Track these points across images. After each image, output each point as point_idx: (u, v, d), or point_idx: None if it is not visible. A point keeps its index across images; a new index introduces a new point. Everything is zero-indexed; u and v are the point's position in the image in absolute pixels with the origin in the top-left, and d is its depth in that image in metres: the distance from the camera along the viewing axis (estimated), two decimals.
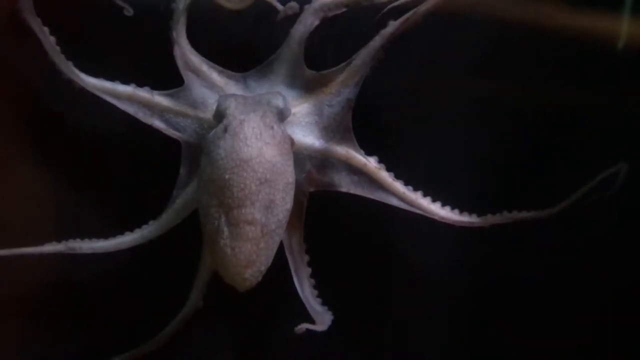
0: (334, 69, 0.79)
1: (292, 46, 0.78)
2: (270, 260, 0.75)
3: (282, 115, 0.76)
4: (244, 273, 0.74)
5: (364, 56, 0.78)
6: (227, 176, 0.72)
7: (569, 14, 0.82)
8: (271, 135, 0.74)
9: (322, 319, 0.80)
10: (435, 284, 0.90)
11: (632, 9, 0.82)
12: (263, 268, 0.75)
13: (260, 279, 0.75)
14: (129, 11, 0.78)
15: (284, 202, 0.74)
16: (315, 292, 0.82)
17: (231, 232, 0.72)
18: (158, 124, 0.81)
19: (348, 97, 0.79)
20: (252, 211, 0.72)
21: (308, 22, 0.78)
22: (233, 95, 0.77)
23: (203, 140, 0.77)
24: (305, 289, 0.82)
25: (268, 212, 0.73)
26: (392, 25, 0.77)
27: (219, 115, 0.75)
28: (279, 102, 0.76)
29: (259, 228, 0.73)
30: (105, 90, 0.80)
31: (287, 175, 0.75)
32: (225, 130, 0.73)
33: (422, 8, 0.76)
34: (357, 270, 0.88)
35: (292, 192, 0.76)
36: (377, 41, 0.78)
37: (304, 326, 0.77)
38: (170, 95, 0.81)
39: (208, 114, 0.80)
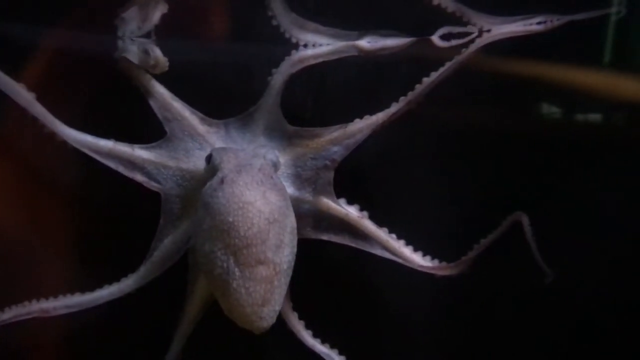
0: (325, 128, 0.80)
1: (272, 96, 0.79)
2: (282, 302, 0.74)
3: (275, 169, 0.77)
4: (261, 312, 0.72)
5: (362, 126, 0.79)
6: (230, 219, 0.71)
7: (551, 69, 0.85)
8: (272, 183, 0.74)
9: None
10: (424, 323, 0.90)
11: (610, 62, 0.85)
12: (277, 308, 0.73)
13: (274, 320, 0.74)
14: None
15: (292, 244, 0.75)
16: (310, 332, 0.82)
17: (243, 272, 0.71)
18: (139, 177, 0.80)
19: (333, 157, 0.80)
20: (264, 249, 0.71)
21: (288, 73, 0.79)
22: (225, 148, 0.77)
23: (190, 193, 0.77)
24: (306, 337, 0.82)
25: (279, 252, 0.72)
26: (396, 106, 0.79)
27: (213, 169, 0.75)
28: (273, 157, 0.77)
29: (271, 267, 0.72)
30: (86, 144, 0.79)
31: (292, 219, 0.75)
32: (222, 181, 0.73)
33: (422, 88, 0.78)
34: (342, 314, 0.88)
35: (296, 237, 0.76)
36: (379, 117, 0.79)
37: None
38: (152, 148, 0.80)
39: (190, 165, 0.80)
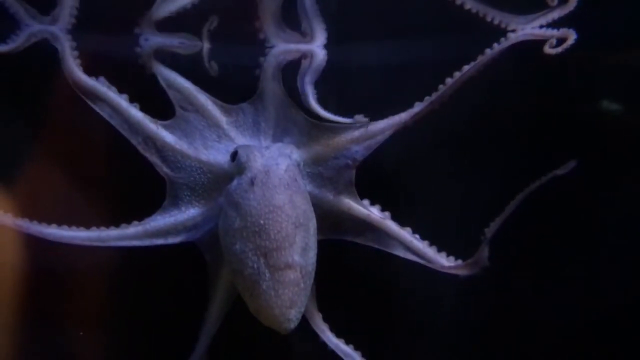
0: (346, 126, 0.79)
1: (268, 80, 0.79)
2: (306, 302, 0.75)
3: (299, 168, 0.78)
4: (289, 314, 0.73)
5: (384, 126, 0.79)
6: (262, 221, 0.73)
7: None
8: (297, 186, 0.75)
9: None
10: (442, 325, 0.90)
11: None
12: (303, 309, 0.75)
13: (299, 320, 0.74)
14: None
15: (315, 246, 0.76)
16: (333, 334, 0.82)
17: (273, 274, 0.73)
18: (154, 158, 0.80)
19: (355, 157, 0.79)
20: (292, 253, 0.73)
21: (276, 61, 0.79)
22: (250, 146, 0.78)
23: (204, 183, 0.79)
24: (330, 337, 0.82)
25: (305, 255, 0.74)
26: (419, 105, 0.79)
27: (238, 167, 0.76)
28: (298, 157, 0.78)
29: (298, 270, 0.73)
30: (119, 107, 0.79)
31: (314, 221, 0.77)
32: (252, 182, 0.74)
33: (445, 89, 0.77)
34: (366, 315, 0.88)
35: (316, 239, 0.77)
36: (402, 117, 0.79)
37: None
38: (171, 129, 0.80)
39: (211, 158, 0.80)
